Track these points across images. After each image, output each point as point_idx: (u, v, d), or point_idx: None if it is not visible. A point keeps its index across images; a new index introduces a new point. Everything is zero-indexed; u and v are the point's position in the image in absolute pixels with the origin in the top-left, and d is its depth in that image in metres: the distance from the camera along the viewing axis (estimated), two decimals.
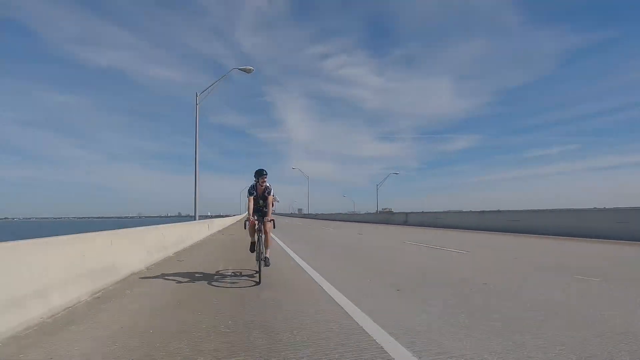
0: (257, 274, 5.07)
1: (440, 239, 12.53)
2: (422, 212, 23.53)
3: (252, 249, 5.59)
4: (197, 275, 5.77)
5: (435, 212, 21.47)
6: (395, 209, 43.01)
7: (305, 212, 77.11)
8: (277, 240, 11.92)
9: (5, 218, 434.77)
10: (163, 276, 5.71)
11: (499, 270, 5.95)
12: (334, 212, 53.57)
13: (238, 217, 40.64)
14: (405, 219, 24.53)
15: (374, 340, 2.70)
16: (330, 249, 10.26)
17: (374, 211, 45.35)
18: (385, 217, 29.27)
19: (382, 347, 2.54)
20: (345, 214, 49.31)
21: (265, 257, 5.30)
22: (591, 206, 9.07)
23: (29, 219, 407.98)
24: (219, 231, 19.45)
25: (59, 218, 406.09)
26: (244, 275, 5.65)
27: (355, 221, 35.10)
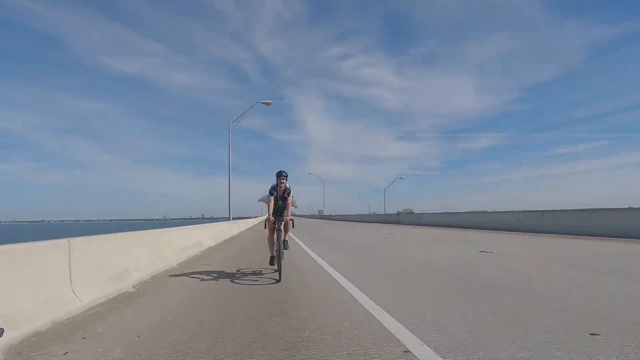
0: (278, 272, 5.24)
1: (400, 232, 17.21)
2: (410, 213, 29.10)
3: (271, 262, 5.66)
4: (241, 250, 10.54)
5: (417, 213, 26.94)
6: (417, 209, 47.37)
7: (324, 213, 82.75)
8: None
9: (41, 220, 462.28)
10: (225, 249, 10.53)
11: (399, 246, 10.53)
12: (353, 214, 58.23)
13: (260, 219, 45.82)
14: (398, 219, 29.83)
15: (321, 266, 7.33)
16: (325, 237, 14.99)
17: (394, 212, 49.80)
18: (385, 218, 34.31)
19: (325, 269, 7.18)
20: (359, 215, 53.74)
21: (284, 240, 5.53)
22: (625, 205, 12.52)
23: (63, 221, 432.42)
24: (248, 228, 24.69)
25: (90, 220, 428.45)
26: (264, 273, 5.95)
27: (362, 221, 39.73)
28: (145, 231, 6.32)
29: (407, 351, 2.43)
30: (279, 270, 5.18)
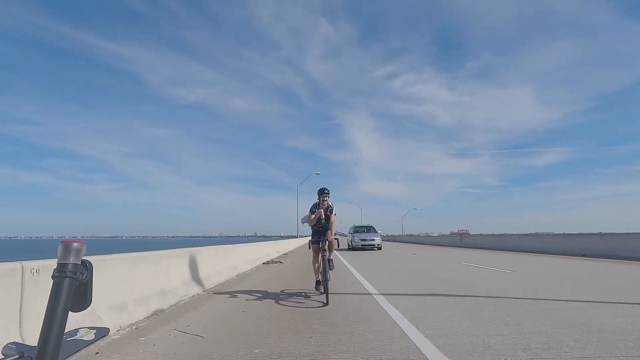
0: (325, 294, 4.79)
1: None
2: (465, 235, 34.63)
3: (317, 287, 5.31)
4: (301, 259, 15.06)
5: (473, 235, 33.35)
6: (473, 230, 49.76)
7: None
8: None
9: (115, 236, 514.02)
10: (287, 257, 15.15)
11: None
12: (405, 234, 61.78)
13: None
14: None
15: (345, 264, 11.58)
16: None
17: (448, 233, 52.23)
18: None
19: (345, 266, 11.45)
20: (397, 235, 56.44)
21: (329, 259, 5.25)
22: None
23: (133, 237, 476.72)
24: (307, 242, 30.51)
25: (156, 237, 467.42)
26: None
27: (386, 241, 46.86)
28: (259, 242, 11.45)
29: None
30: (326, 293, 4.79)
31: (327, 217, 5.37)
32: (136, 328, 3.37)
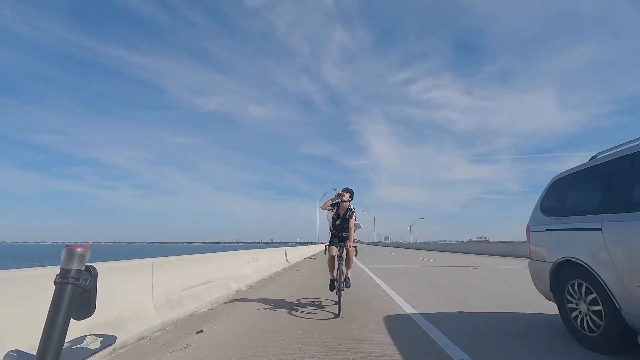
0: (337, 304, 4.56)
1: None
2: (484, 242, 39.46)
3: (331, 287, 5.01)
4: (322, 261, 22.40)
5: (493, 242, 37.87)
6: (493, 237, 53.27)
7: (377, 241, 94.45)
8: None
9: (136, 242, 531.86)
10: (316, 256, 22.61)
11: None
12: (419, 242, 67.44)
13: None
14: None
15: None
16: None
17: (466, 240, 55.07)
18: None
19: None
20: (407, 242, 63.03)
21: (346, 277, 4.99)
22: None
23: (153, 243, 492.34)
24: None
25: (175, 243, 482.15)
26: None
27: (393, 247, 51.73)
28: (299, 247, 18.78)
29: None
30: (339, 304, 4.48)
31: (345, 220, 5.08)
32: (284, 269, 10.91)
